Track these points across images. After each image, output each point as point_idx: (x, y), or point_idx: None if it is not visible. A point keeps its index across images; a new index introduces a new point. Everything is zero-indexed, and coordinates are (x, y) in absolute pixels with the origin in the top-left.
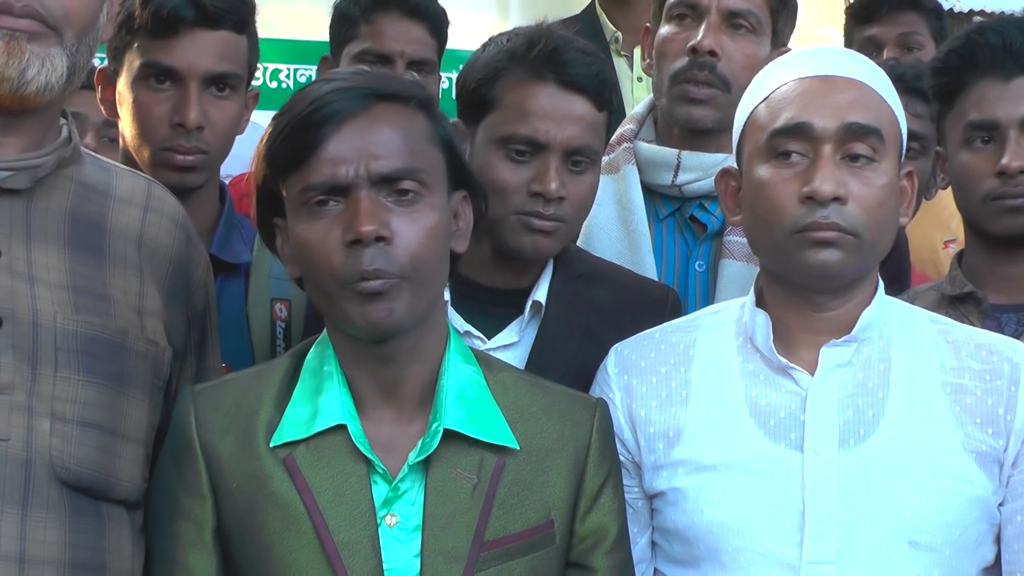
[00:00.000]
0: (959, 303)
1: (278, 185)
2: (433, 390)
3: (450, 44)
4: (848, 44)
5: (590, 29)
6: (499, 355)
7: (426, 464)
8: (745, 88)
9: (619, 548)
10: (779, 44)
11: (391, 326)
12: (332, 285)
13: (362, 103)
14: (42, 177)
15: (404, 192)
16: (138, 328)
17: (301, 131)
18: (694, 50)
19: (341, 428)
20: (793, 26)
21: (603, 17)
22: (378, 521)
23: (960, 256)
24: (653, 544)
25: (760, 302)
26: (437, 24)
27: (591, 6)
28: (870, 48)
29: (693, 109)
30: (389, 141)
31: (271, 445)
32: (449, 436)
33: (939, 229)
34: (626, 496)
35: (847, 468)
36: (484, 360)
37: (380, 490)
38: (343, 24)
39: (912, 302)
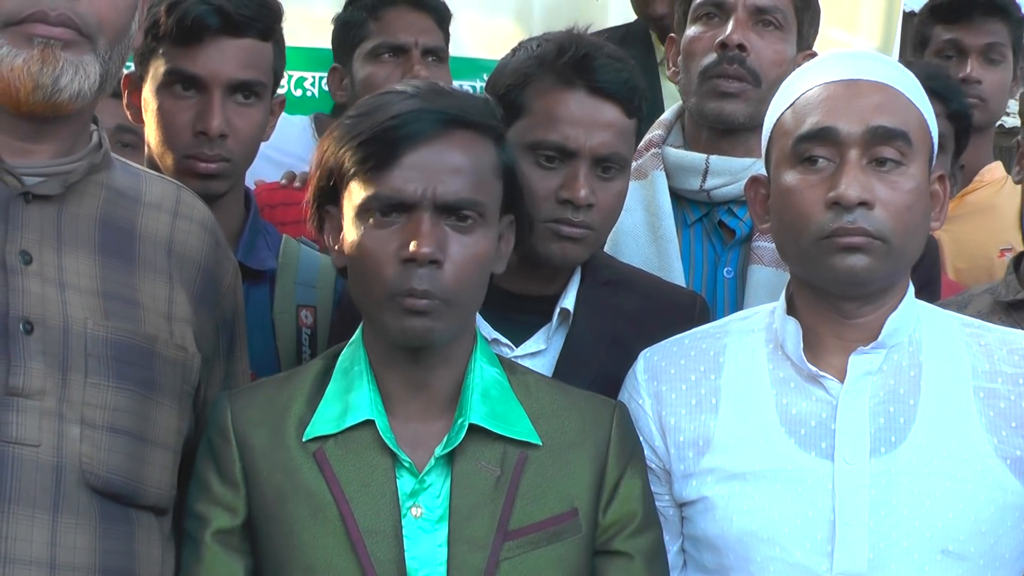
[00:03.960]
0: (1013, 309)
1: (342, 182)
2: (459, 390)
3: (473, 53)
4: (923, 41)
5: (642, 44)
6: (527, 362)
7: (451, 458)
8: (774, 84)
9: (647, 531)
10: (804, 46)
11: (427, 340)
12: (380, 294)
13: (441, 127)
14: (73, 183)
15: (463, 219)
16: (167, 334)
17: (379, 142)
18: (723, 45)
19: (369, 424)
20: (817, 29)
21: (654, 37)
22: (403, 512)
23: (1017, 260)
24: (683, 552)
25: (791, 308)
26: (441, 15)
27: (643, 22)
28: (951, 51)
29: (724, 104)
30: (459, 169)
31: (303, 440)
32: (473, 431)
33: (995, 237)
34: (657, 504)
35: (878, 476)
36: (507, 364)
37: (406, 483)
38: (349, 29)
39: (966, 305)
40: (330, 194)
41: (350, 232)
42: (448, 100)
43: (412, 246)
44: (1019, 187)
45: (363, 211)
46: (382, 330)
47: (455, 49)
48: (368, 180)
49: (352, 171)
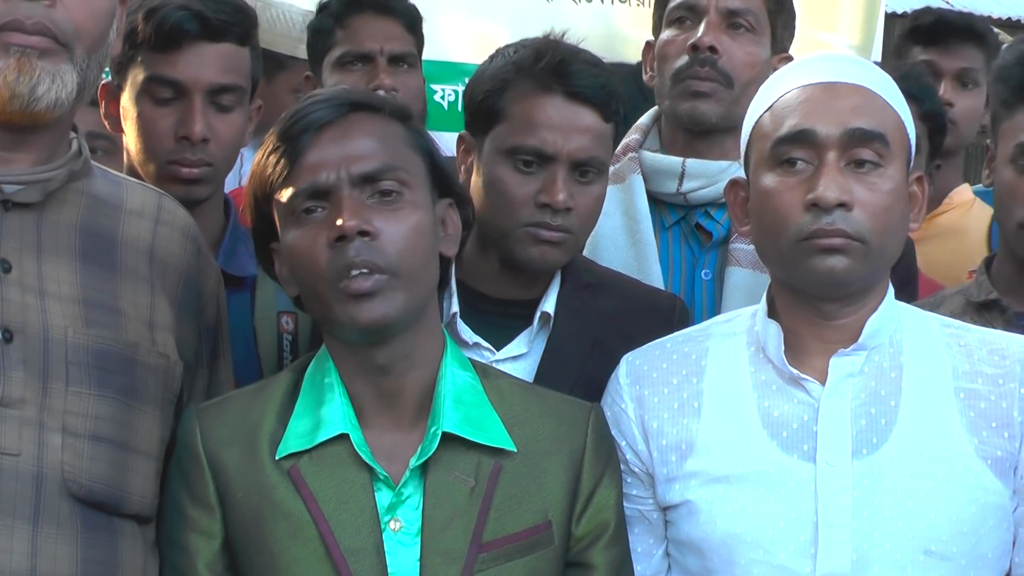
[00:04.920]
0: (984, 310)
1: (268, 202)
2: (431, 396)
3: (454, 57)
4: (895, 58)
5: None
6: (508, 366)
7: (425, 468)
8: (747, 86)
9: (617, 543)
10: (779, 50)
11: (381, 324)
12: (321, 287)
13: (337, 111)
14: (53, 191)
15: (387, 193)
16: (149, 341)
17: (284, 143)
18: (695, 47)
19: (343, 438)
20: (792, 32)
21: None
22: (382, 527)
23: (989, 261)
24: (667, 556)
25: (772, 311)
26: (411, 19)
27: None
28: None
29: (697, 103)
30: (366, 144)
31: (276, 457)
32: (447, 440)
33: (964, 259)
34: (641, 508)
35: (860, 478)
36: (481, 369)
37: (383, 496)
38: (319, 37)
39: (939, 305)
40: (268, 229)
41: (285, 243)
42: (344, 91)
43: (337, 224)
44: (987, 209)
45: (289, 215)
46: (336, 327)
47: (438, 53)
48: (285, 183)
49: (271, 183)
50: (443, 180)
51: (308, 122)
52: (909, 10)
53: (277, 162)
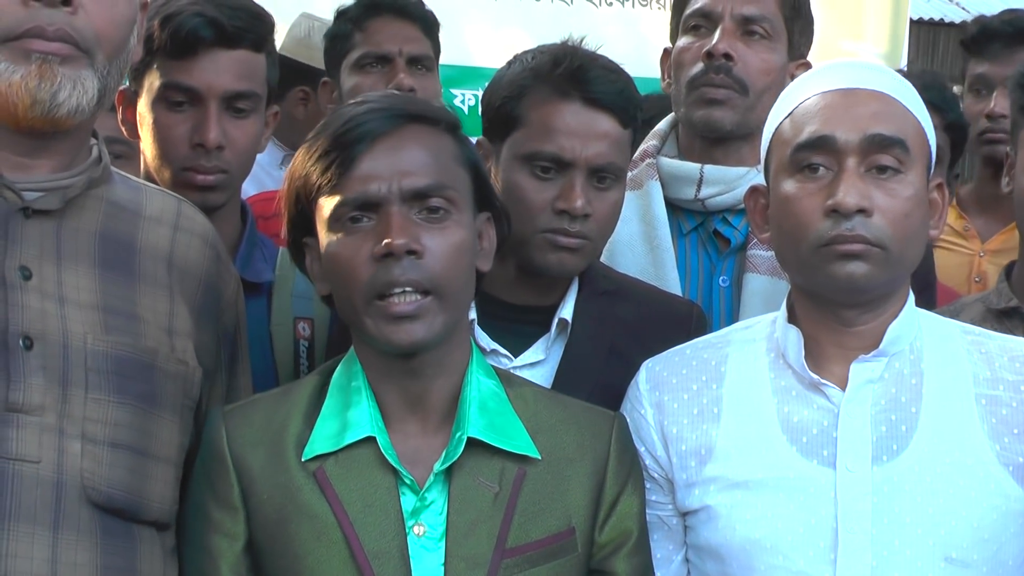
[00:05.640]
0: (1004, 317)
1: (311, 204)
2: (457, 403)
3: (476, 61)
4: (962, 76)
5: None
6: (526, 373)
7: (449, 473)
8: (762, 93)
9: (640, 551)
10: (796, 56)
11: (417, 345)
12: (360, 300)
13: (394, 123)
14: (72, 197)
15: (434, 209)
16: (168, 348)
17: (336, 150)
18: (709, 54)
19: (369, 441)
20: (810, 38)
21: None
22: (406, 531)
23: (1009, 268)
24: (687, 562)
25: (792, 318)
26: (428, 24)
27: None
28: (979, 85)
29: (712, 111)
30: (419, 159)
31: (303, 459)
32: (472, 445)
33: None
34: (660, 513)
35: (880, 484)
36: (504, 376)
37: (408, 500)
38: (337, 41)
39: (959, 313)
40: (304, 224)
41: (327, 248)
42: (399, 99)
43: (386, 240)
44: None
45: (334, 221)
46: (370, 340)
47: (458, 57)
48: (333, 190)
49: (317, 186)
50: (484, 193)
51: (363, 132)
52: (935, 17)
53: (327, 168)
